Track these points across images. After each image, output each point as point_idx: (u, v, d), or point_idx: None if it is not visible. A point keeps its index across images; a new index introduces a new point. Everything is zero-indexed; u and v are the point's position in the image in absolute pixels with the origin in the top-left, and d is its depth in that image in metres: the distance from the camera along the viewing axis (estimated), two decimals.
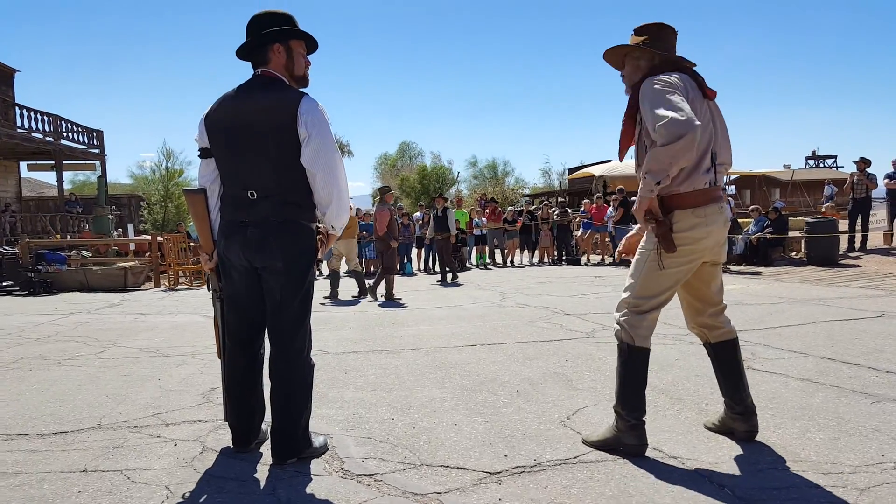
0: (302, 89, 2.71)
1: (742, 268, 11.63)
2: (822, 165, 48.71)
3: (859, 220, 12.38)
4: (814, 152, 51.09)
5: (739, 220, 13.42)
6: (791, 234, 12.73)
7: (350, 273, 9.91)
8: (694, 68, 2.69)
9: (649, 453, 2.69)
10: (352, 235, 10.25)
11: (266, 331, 2.79)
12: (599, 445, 2.76)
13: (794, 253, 12.74)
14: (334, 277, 9.84)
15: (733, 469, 2.51)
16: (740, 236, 12.53)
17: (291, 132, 2.53)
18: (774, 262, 11.90)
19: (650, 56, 2.73)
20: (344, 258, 10.14)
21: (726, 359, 2.84)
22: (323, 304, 8.87)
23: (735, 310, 6.68)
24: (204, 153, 2.74)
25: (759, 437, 2.83)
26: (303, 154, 2.56)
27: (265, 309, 2.73)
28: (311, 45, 2.78)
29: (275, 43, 2.64)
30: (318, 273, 10.68)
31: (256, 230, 2.60)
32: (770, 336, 5.16)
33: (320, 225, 2.79)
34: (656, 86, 2.50)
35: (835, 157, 50.28)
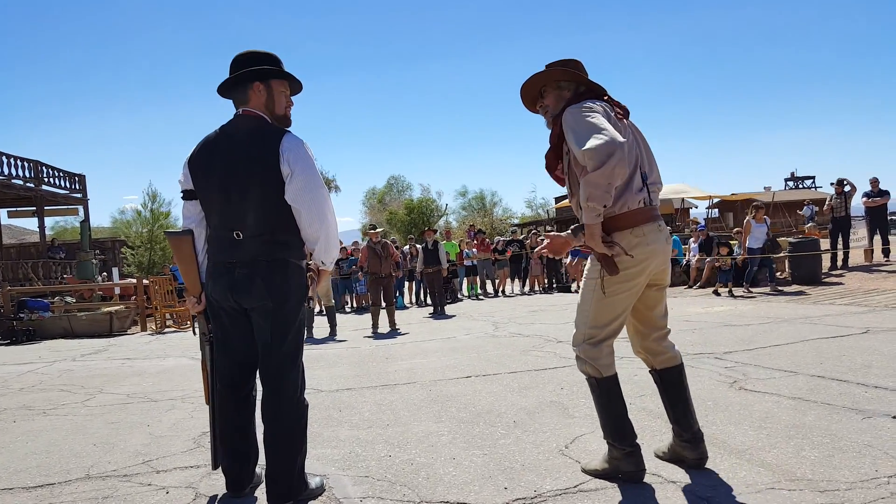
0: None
1: (727, 289, 11.72)
2: (801, 186, 49.61)
3: (840, 239, 12.57)
4: (793, 174, 52.12)
5: (729, 242, 13.56)
6: (775, 254, 12.87)
7: (325, 310, 9.88)
8: (607, 96, 2.72)
9: (648, 479, 2.68)
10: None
11: (257, 373, 2.76)
12: (598, 475, 2.74)
13: (778, 273, 12.87)
14: (308, 315, 9.79)
15: (731, 491, 2.51)
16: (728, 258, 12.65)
17: (274, 170, 2.53)
18: (760, 283, 12.01)
19: (577, 83, 2.74)
20: (320, 295, 10.09)
21: (672, 385, 2.81)
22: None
23: (724, 331, 6.76)
24: (188, 195, 2.73)
25: (755, 457, 2.83)
26: (287, 191, 2.56)
27: (256, 351, 2.70)
28: (295, 85, 2.80)
29: (255, 82, 2.65)
30: (311, 308, 10.55)
31: (244, 271, 2.59)
32: (760, 356, 5.19)
33: (310, 262, 2.79)
34: (577, 113, 2.52)
35: (813, 177, 51.34)
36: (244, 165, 2.57)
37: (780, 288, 11.26)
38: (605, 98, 2.71)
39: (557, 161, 2.77)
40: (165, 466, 3.31)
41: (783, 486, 2.52)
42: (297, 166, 2.53)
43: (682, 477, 2.68)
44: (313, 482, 2.76)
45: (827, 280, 11.50)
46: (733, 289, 11.64)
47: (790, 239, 13.13)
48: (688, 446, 2.76)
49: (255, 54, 2.69)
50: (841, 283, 10.95)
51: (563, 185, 2.87)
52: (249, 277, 2.58)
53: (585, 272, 2.74)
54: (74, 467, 3.40)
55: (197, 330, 2.92)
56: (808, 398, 3.79)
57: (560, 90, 2.76)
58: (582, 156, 2.40)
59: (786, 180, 51.69)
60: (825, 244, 13.09)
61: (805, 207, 23.51)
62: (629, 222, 2.57)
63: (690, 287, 12.81)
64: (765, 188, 35.66)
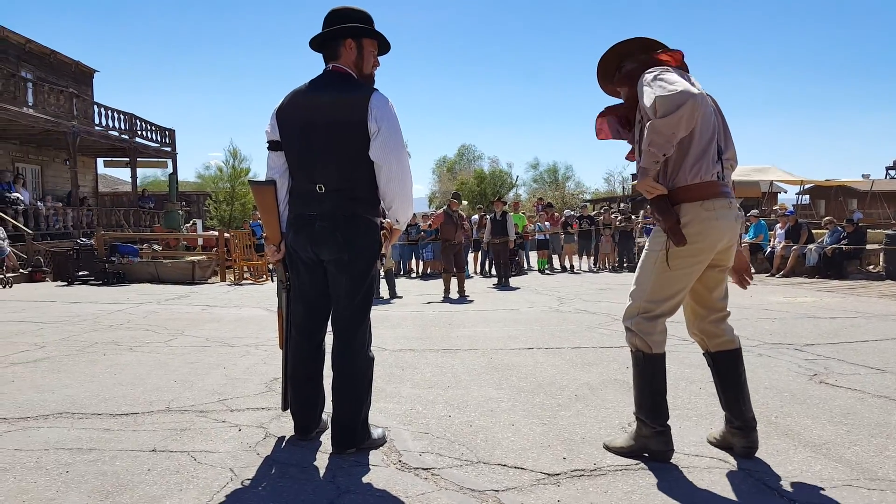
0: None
1: (814, 280, 11.13)
2: None
3: None
4: (895, 162, 48.36)
5: (813, 231, 12.85)
6: (869, 246, 12.08)
7: (385, 273, 10.06)
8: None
9: (716, 465, 2.60)
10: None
11: (329, 323, 2.84)
12: (624, 452, 2.68)
13: (871, 267, 12.11)
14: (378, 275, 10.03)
15: (804, 484, 2.39)
16: (814, 247, 11.99)
17: (361, 127, 2.57)
18: (850, 276, 11.34)
19: (658, 56, 2.65)
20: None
21: (726, 369, 2.69)
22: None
23: (807, 322, 6.42)
24: (273, 146, 2.79)
25: (833, 453, 2.69)
26: (372, 147, 2.59)
27: (329, 302, 2.78)
28: (384, 46, 2.82)
29: (348, 38, 2.68)
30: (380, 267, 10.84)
31: (324, 224, 2.65)
32: (845, 351, 4.91)
33: (384, 220, 2.82)
34: (651, 72, 2.48)
35: None
36: (331, 121, 2.61)
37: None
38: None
39: (604, 122, 2.77)
40: (239, 406, 3.47)
41: (862, 484, 2.39)
42: (383, 123, 2.57)
43: (751, 465, 2.58)
44: (376, 433, 2.84)
45: None
46: (817, 280, 11.01)
47: (887, 231, 12.27)
48: (738, 433, 2.66)
49: (350, 11, 2.71)
50: None
51: (630, 143, 2.80)
52: (329, 230, 2.64)
53: (647, 244, 2.68)
54: (156, 399, 3.62)
55: (275, 278, 3.02)
56: (895, 397, 3.56)
57: (639, 63, 2.67)
58: (653, 105, 2.36)
59: (887, 169, 48.02)
60: None
61: None
62: (701, 194, 2.49)
63: (773, 275, 12.22)
64: (863, 176, 33.23)
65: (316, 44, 2.76)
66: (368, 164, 2.63)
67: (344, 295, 2.70)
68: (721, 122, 2.63)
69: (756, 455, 2.67)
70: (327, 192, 2.65)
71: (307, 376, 2.85)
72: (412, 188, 2.74)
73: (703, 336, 2.75)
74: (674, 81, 2.39)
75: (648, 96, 2.41)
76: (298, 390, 2.87)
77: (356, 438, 2.72)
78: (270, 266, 14.66)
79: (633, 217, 16.01)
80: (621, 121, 2.78)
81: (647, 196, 2.52)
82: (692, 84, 2.50)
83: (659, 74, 2.46)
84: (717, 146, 2.55)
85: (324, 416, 2.97)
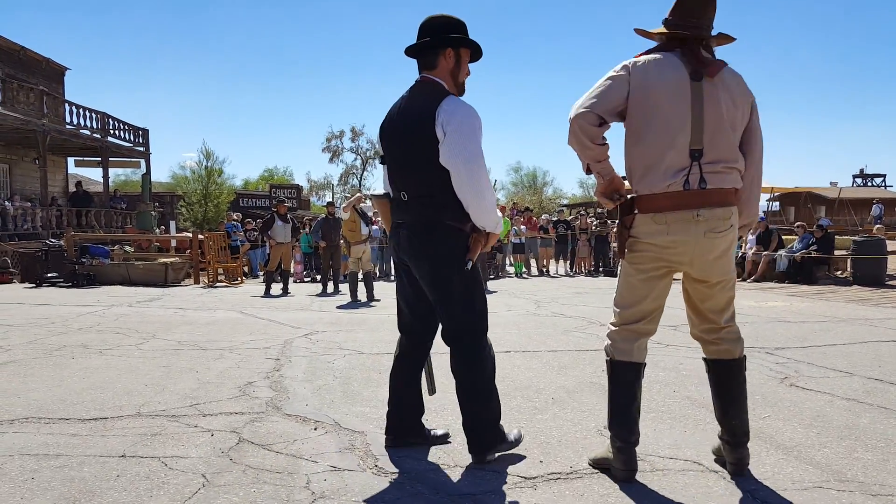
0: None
1: (784, 285, 11.34)
2: (870, 184, 47.33)
3: None
4: (862, 170, 49.73)
5: (783, 237, 13.10)
6: (837, 252, 12.36)
7: (363, 276, 10.02)
8: (693, 44, 2.40)
9: (691, 467, 2.62)
10: (361, 239, 10.28)
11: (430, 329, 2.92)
12: (596, 464, 2.63)
13: (839, 272, 12.38)
14: (352, 279, 9.91)
15: (777, 486, 2.43)
16: (784, 253, 12.22)
17: (429, 133, 2.57)
18: (819, 281, 11.57)
19: (655, 39, 2.55)
20: (360, 260, 10.21)
21: (719, 378, 2.56)
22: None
23: (778, 327, 6.53)
24: (382, 159, 2.89)
25: (804, 455, 2.74)
26: (440, 154, 2.57)
27: (422, 305, 2.82)
28: (476, 54, 2.82)
29: (448, 48, 2.69)
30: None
31: (406, 232, 2.71)
32: (814, 354, 5.00)
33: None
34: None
35: (884, 175, 48.89)
36: (407, 129, 2.66)
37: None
38: (685, 47, 2.40)
39: None
40: (212, 411, 3.41)
41: (832, 485, 2.43)
42: (449, 127, 2.54)
43: (724, 468, 2.61)
44: (511, 435, 2.83)
45: (891, 283, 10.98)
46: (787, 285, 11.20)
47: (855, 237, 12.57)
48: (727, 447, 2.55)
49: (448, 20, 2.73)
50: None
51: None
52: (409, 239, 2.69)
53: None
54: (126, 404, 3.54)
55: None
56: (863, 400, 3.64)
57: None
58: None
59: (854, 177, 49.34)
60: (892, 245, 12.49)
61: (874, 206, 22.53)
62: (652, 206, 2.40)
63: (744, 280, 12.42)
64: (831, 183, 34.15)
65: (412, 51, 2.76)
66: (443, 169, 2.59)
67: (437, 304, 2.73)
68: (712, 117, 2.35)
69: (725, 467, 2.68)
70: (410, 201, 2.69)
71: (397, 372, 2.90)
72: (488, 192, 2.63)
73: (698, 342, 2.67)
74: (591, 88, 2.44)
75: None
76: (390, 389, 2.92)
77: (483, 442, 2.69)
78: (245, 269, 14.49)
79: (608, 222, 16.15)
80: None
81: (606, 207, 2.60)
82: (645, 79, 2.36)
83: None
84: (688, 151, 2.34)
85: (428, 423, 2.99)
